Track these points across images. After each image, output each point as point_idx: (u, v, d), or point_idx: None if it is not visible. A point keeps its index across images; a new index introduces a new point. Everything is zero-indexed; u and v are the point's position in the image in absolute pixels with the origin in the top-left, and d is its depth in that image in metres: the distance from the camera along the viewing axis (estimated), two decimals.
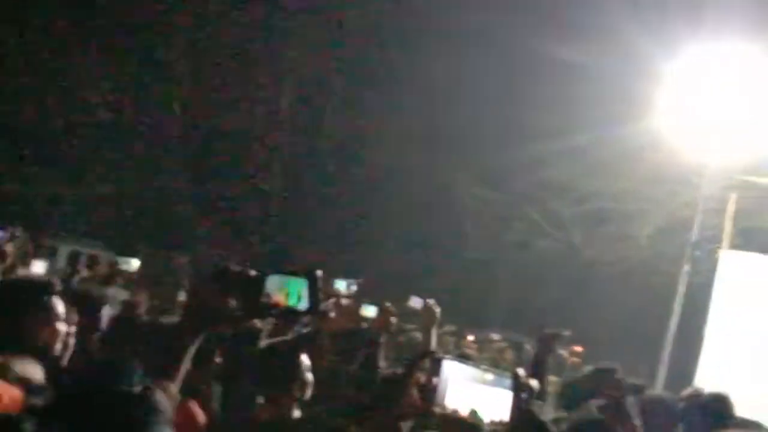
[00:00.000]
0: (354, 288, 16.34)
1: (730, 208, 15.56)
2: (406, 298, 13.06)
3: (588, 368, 6.29)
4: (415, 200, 23.56)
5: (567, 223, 21.32)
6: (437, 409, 3.52)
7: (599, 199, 20.09)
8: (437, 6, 22.71)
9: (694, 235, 15.11)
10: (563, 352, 17.77)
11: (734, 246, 15.50)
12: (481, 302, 23.15)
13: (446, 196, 23.35)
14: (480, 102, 22.24)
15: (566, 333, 5.95)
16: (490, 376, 3.65)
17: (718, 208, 15.89)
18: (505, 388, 3.62)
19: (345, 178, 24.93)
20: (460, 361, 3.73)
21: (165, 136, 24.19)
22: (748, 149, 15.64)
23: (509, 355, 17.26)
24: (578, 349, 21.09)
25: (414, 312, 11.21)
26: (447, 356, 3.80)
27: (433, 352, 4.88)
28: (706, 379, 14.63)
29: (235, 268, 2.39)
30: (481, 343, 18.17)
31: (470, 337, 18.04)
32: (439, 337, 7.99)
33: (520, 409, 3.57)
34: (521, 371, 3.84)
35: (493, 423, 3.49)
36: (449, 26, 22.88)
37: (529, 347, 17.64)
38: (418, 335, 7.44)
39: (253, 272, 2.39)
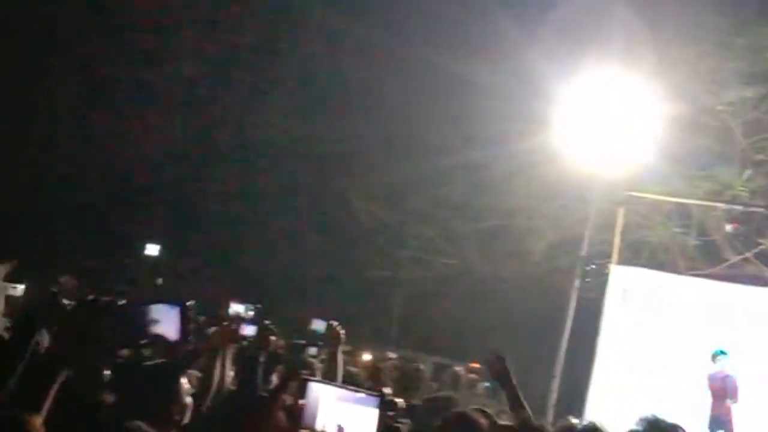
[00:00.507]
0: (252, 312, 16.16)
1: (619, 222, 15.94)
2: (309, 321, 13.00)
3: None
4: (307, 218, 23.39)
5: (462, 241, 21.49)
6: (304, 431, 3.54)
7: (493, 216, 20.32)
8: (332, 18, 22.69)
9: (585, 250, 15.39)
10: (460, 369, 17.88)
11: (623, 260, 15.87)
12: (377, 321, 23.13)
13: (340, 213, 23.24)
14: (373, 117, 22.25)
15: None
16: (357, 396, 3.69)
17: (608, 224, 16.27)
18: (371, 406, 3.66)
19: (235, 196, 24.58)
20: (326, 382, 3.78)
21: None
22: (634, 165, 16.06)
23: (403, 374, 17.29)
24: (476, 366, 21.23)
25: (315, 334, 11.15)
26: (313, 378, 3.84)
27: (299, 374, 4.87)
28: (598, 392, 14.95)
29: (104, 298, 2.30)
30: (378, 363, 18.13)
31: (366, 357, 17.99)
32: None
33: (386, 426, 3.63)
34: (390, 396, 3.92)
35: None
36: (343, 39, 22.89)
37: (423, 366, 17.72)
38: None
39: (123, 302, 2.32)
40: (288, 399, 4.63)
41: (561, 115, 15.39)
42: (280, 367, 7.06)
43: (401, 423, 4.79)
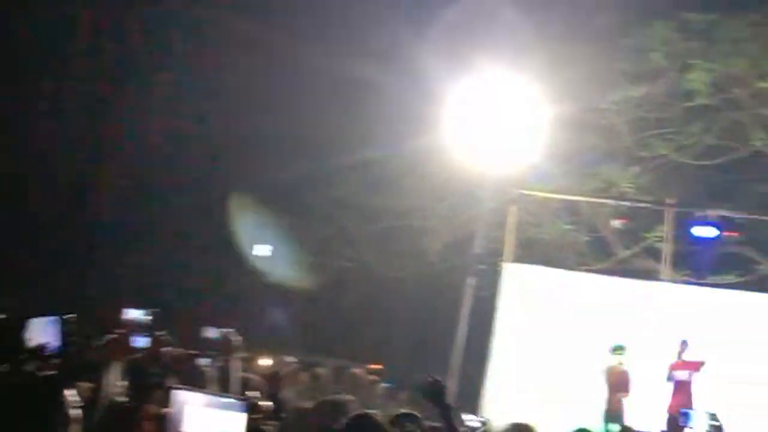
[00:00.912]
0: (149, 318, 15.84)
1: (510, 221, 16.21)
2: (201, 329, 12.80)
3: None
4: (199, 219, 22.95)
5: (358, 242, 21.53)
6: None
7: (388, 216, 20.41)
8: (224, 14, 22.40)
9: (477, 248, 15.59)
10: (359, 371, 17.92)
11: (515, 258, 16.14)
12: (275, 325, 22.97)
13: (234, 214, 22.91)
14: (266, 116, 22.03)
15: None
16: (223, 401, 3.73)
17: (500, 222, 16.52)
18: (238, 411, 3.71)
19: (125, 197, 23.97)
20: (191, 389, 3.78)
21: None
22: (524, 164, 16.34)
23: (304, 377, 17.24)
24: (375, 366, 21.30)
25: (209, 342, 10.99)
26: (177, 386, 3.84)
27: (163, 383, 4.85)
28: (494, 389, 15.18)
29: None
30: (277, 367, 18.05)
31: (264, 362, 17.86)
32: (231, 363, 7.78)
33: (253, 429, 3.68)
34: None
35: None
36: (234, 35, 22.60)
37: (322, 370, 17.71)
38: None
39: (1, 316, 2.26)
40: (154, 408, 4.59)
41: (451, 114, 15.56)
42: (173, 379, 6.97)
43: (268, 425, 4.82)
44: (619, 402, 14.06)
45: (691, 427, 7.03)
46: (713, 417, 6.05)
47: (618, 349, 14.34)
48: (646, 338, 14.60)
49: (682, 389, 14.01)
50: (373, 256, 20.96)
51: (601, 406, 13.90)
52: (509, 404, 13.61)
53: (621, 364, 14.32)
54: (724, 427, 5.91)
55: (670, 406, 13.69)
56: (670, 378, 14.17)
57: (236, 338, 5.65)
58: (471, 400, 14.39)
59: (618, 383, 14.22)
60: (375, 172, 19.64)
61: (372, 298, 22.36)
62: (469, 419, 9.23)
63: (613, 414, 13.67)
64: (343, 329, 23.02)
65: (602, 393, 14.24)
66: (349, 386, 16.30)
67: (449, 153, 16.32)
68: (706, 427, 6.16)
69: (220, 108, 23.07)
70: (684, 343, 14.23)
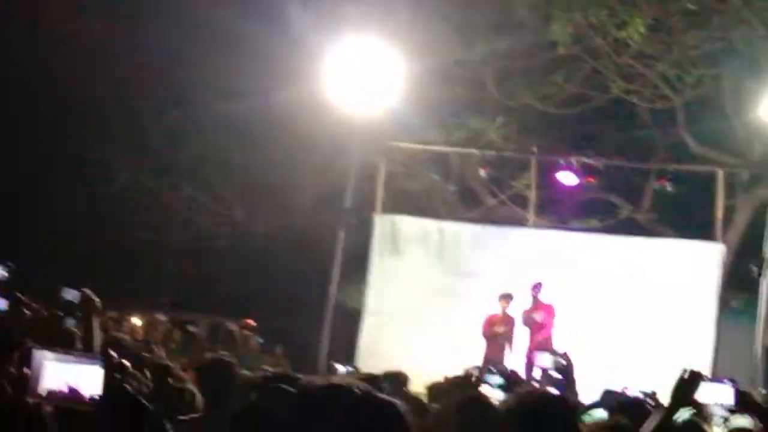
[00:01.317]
0: (5, 274, 15.30)
1: (381, 173, 16.33)
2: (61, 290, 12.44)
3: None
4: (66, 177, 22.14)
5: (229, 198, 21.32)
6: (31, 399, 3.54)
7: (258, 172, 20.25)
8: None
9: (348, 201, 15.65)
10: (233, 327, 17.90)
11: (386, 209, 16.29)
12: (147, 285, 22.57)
13: (99, 172, 22.17)
14: (131, 71, 21.31)
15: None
16: (81, 359, 3.74)
17: (370, 175, 16.61)
18: (97, 367, 3.72)
19: None
20: (51, 349, 3.76)
21: None
22: (393, 117, 16.43)
23: (177, 335, 17.14)
24: (250, 322, 21.25)
25: (70, 303, 10.72)
26: (36, 345, 3.82)
27: (22, 343, 4.77)
28: (369, 340, 15.37)
29: None
30: (149, 326, 17.87)
31: (136, 320, 17.64)
32: (102, 322, 7.70)
33: (112, 386, 3.68)
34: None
35: (91, 398, 3.57)
36: None
37: (195, 328, 17.61)
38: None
39: None
40: (12, 369, 4.52)
41: (320, 68, 15.47)
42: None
43: (132, 383, 4.81)
44: (502, 348, 14.32)
45: (543, 368, 7.25)
46: (563, 356, 6.26)
47: (504, 298, 14.65)
48: (516, 284, 14.99)
49: (539, 332, 14.41)
50: (243, 212, 20.80)
51: (480, 353, 14.09)
52: (383, 355, 13.77)
53: (504, 311, 14.64)
54: (576, 365, 6.14)
55: (529, 349, 14.03)
56: (525, 321, 14.55)
57: (95, 298, 5.53)
58: (345, 352, 14.52)
59: (500, 330, 14.53)
60: (241, 127, 19.37)
61: (244, 255, 22.21)
62: (340, 368, 9.31)
63: (494, 360, 13.87)
64: (216, 287, 22.83)
65: (480, 340, 14.55)
66: (223, 343, 16.28)
67: (318, 108, 16.27)
68: (557, 366, 6.37)
69: (84, 65, 22.21)
70: (538, 286, 14.63)
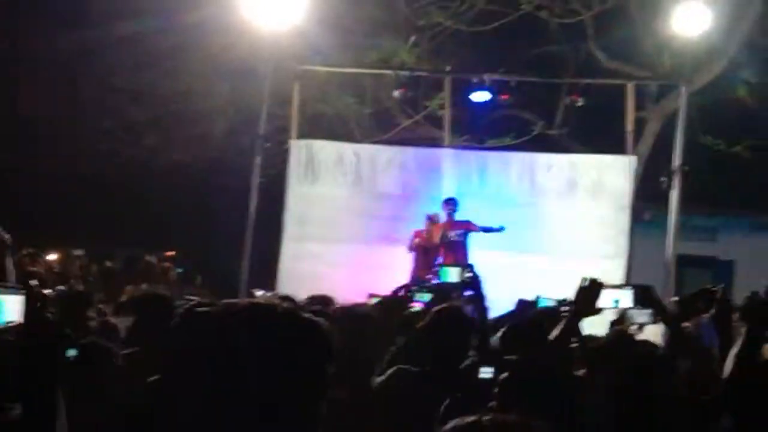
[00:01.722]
0: None
1: (295, 97, 16.16)
2: None
3: None
4: None
5: (141, 128, 20.87)
6: None
7: (170, 101, 19.85)
8: None
9: (262, 128, 15.48)
10: (152, 259, 17.72)
11: (301, 134, 16.18)
12: (62, 219, 22.12)
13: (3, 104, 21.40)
14: None
15: None
16: (5, 290, 3.78)
17: (285, 99, 16.43)
18: (18, 297, 3.71)
19: None
20: None
21: None
22: (305, 40, 16.23)
23: (94, 269, 16.92)
24: (170, 254, 21.08)
25: None
26: None
27: None
28: (288, 265, 15.37)
29: None
30: (66, 261, 17.59)
31: (52, 256, 17.33)
32: (19, 259, 7.55)
33: (31, 312, 3.71)
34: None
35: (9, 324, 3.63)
36: None
37: (110, 263, 17.38)
38: None
39: None
40: None
41: None
42: None
43: (52, 312, 4.85)
44: (430, 267, 14.42)
45: (449, 282, 7.38)
46: (470, 268, 6.37)
47: (429, 218, 14.78)
48: (433, 203, 15.14)
49: (454, 249, 14.60)
50: (156, 141, 20.39)
51: (406, 275, 14.19)
52: (305, 280, 13.79)
53: (432, 231, 14.77)
54: (489, 279, 6.25)
55: (444, 266, 14.14)
56: (441, 239, 14.72)
57: (4, 234, 5.38)
58: (266, 278, 14.53)
59: (432, 248, 14.70)
60: (149, 50, 18.78)
61: (158, 185, 21.87)
62: (260, 294, 9.33)
63: (423, 280, 13.98)
64: (133, 218, 22.53)
65: (407, 259, 14.71)
66: (142, 275, 16.12)
67: (227, 31, 15.95)
68: (464, 279, 6.49)
69: None
70: (450, 201, 14.81)
